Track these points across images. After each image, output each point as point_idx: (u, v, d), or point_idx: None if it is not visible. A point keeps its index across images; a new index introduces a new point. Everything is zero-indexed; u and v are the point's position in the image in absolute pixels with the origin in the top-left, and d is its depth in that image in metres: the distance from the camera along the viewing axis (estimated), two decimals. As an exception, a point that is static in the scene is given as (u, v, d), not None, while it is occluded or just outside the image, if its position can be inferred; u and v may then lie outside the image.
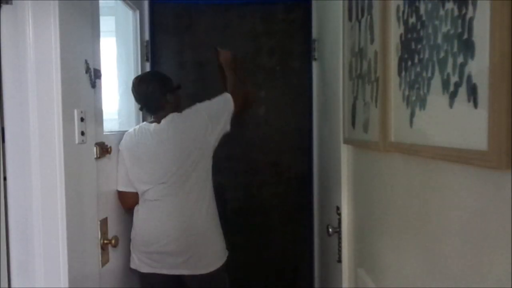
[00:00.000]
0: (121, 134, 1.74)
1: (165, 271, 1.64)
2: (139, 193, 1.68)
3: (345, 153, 1.36)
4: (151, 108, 1.73)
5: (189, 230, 1.62)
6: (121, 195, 1.68)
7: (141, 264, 1.66)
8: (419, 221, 0.77)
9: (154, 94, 1.69)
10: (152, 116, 1.75)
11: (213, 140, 1.68)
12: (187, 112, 1.71)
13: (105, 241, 1.41)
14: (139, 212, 1.68)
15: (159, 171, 1.63)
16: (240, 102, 1.75)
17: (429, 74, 0.67)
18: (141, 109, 1.77)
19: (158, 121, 1.69)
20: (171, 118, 1.68)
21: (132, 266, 1.69)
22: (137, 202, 1.69)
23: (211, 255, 1.65)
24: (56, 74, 1.09)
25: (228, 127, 1.72)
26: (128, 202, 1.69)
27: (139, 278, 1.72)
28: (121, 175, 1.67)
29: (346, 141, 1.32)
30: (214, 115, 1.68)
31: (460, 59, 0.56)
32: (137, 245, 1.66)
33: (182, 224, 1.62)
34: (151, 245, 1.62)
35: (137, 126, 1.74)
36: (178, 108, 1.73)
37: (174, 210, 1.63)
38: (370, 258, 1.13)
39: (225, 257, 1.70)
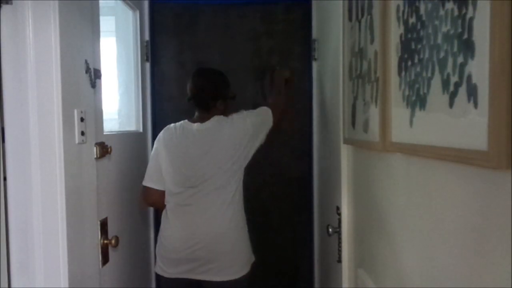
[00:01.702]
0: (121, 134, 1.74)
1: (192, 276, 1.61)
2: (168, 195, 1.64)
3: (345, 153, 1.36)
4: (199, 105, 1.68)
5: (220, 237, 1.60)
6: (146, 191, 1.66)
7: (167, 269, 1.64)
8: (419, 221, 0.77)
9: (208, 94, 1.66)
10: (196, 115, 1.70)
11: (251, 150, 1.67)
12: (234, 117, 1.69)
13: (105, 241, 1.40)
14: (169, 218, 1.64)
15: (196, 173, 1.60)
16: (278, 118, 1.76)
17: (429, 74, 0.67)
18: (189, 99, 1.70)
19: (202, 121, 1.66)
20: (217, 121, 1.65)
21: (159, 271, 1.67)
22: (161, 200, 1.66)
23: (238, 263, 1.63)
24: (56, 74, 1.09)
25: (263, 140, 1.71)
26: (151, 198, 1.67)
27: (163, 282, 1.70)
28: (150, 170, 1.65)
29: (346, 141, 1.32)
30: (257, 126, 1.67)
31: (460, 59, 0.56)
32: (165, 250, 1.64)
33: (213, 231, 1.59)
34: (182, 251, 1.60)
35: (178, 123, 1.70)
36: (221, 113, 1.70)
37: (205, 216, 1.60)
38: (370, 258, 1.13)
39: (249, 266, 1.67)
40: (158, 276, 1.71)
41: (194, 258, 1.60)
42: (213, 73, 1.75)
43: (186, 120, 1.70)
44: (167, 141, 1.65)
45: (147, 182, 1.66)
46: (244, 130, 1.64)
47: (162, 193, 1.66)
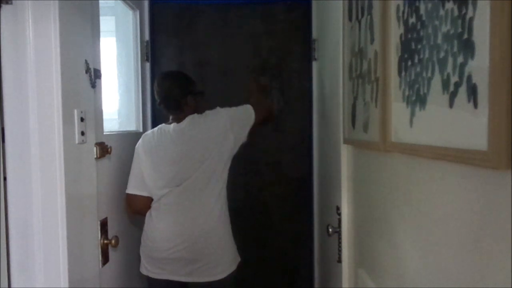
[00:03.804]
0: (121, 134, 1.74)
1: (177, 278, 1.61)
2: (155, 198, 1.64)
3: (345, 153, 1.36)
4: (169, 106, 1.70)
5: (206, 236, 1.59)
6: (130, 198, 1.65)
7: (153, 270, 1.63)
8: (419, 221, 0.77)
9: (175, 92, 1.67)
10: (171, 118, 1.73)
11: (232, 147, 1.66)
12: (208, 113, 1.69)
13: (105, 241, 1.40)
14: (153, 217, 1.63)
15: (178, 173, 1.60)
16: (260, 117, 1.74)
17: (429, 74, 0.67)
18: (159, 104, 1.73)
19: (178, 122, 1.67)
20: (191, 118, 1.67)
21: (143, 272, 1.66)
22: (146, 207, 1.66)
23: (224, 261, 1.63)
24: (56, 74, 1.09)
25: (245, 138, 1.71)
26: (136, 206, 1.66)
27: (148, 283, 1.69)
28: (133, 177, 1.65)
29: (346, 141, 1.32)
30: (235, 122, 1.67)
31: (460, 59, 0.56)
32: (150, 250, 1.63)
33: (199, 229, 1.59)
34: (167, 251, 1.59)
35: (156, 128, 1.71)
36: (198, 112, 1.71)
37: (190, 216, 1.60)
38: (370, 258, 1.13)
39: (236, 265, 1.67)
40: (144, 277, 1.69)
41: (179, 258, 1.59)
42: (175, 74, 1.79)
43: (163, 124, 1.72)
44: (146, 147, 1.66)
45: (131, 190, 1.64)
46: (219, 125, 1.64)
47: (147, 199, 1.65)
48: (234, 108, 1.71)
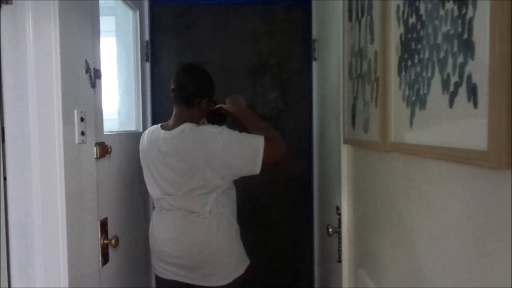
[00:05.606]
0: (121, 134, 1.74)
1: (181, 280, 1.61)
2: (153, 199, 1.66)
3: (345, 153, 1.36)
4: (180, 100, 1.59)
5: (202, 248, 1.56)
6: None
7: (160, 269, 1.65)
8: (419, 221, 0.77)
9: (197, 88, 1.59)
10: (173, 115, 1.63)
11: (233, 171, 1.52)
12: (205, 128, 1.54)
13: (105, 241, 1.40)
14: (154, 220, 1.65)
15: (165, 183, 1.57)
16: (270, 154, 1.50)
17: (429, 74, 0.67)
18: (173, 92, 1.61)
19: (170, 128, 1.57)
20: (183, 129, 1.53)
21: (156, 272, 1.69)
22: None
23: (227, 268, 1.59)
24: (56, 74, 1.09)
25: (257, 170, 1.50)
26: None
27: (158, 282, 1.72)
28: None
29: (346, 141, 1.32)
30: (232, 149, 1.48)
31: (460, 59, 0.56)
32: (155, 251, 1.66)
33: (193, 242, 1.57)
34: (167, 256, 1.60)
35: (153, 127, 1.66)
36: (196, 120, 1.60)
37: (184, 227, 1.57)
38: (370, 258, 1.13)
39: (242, 269, 1.63)
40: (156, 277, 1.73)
41: (179, 264, 1.59)
42: (200, 69, 1.66)
43: (158, 125, 1.64)
44: (143, 147, 1.65)
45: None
46: (217, 145, 1.48)
47: None
48: (241, 135, 1.52)
